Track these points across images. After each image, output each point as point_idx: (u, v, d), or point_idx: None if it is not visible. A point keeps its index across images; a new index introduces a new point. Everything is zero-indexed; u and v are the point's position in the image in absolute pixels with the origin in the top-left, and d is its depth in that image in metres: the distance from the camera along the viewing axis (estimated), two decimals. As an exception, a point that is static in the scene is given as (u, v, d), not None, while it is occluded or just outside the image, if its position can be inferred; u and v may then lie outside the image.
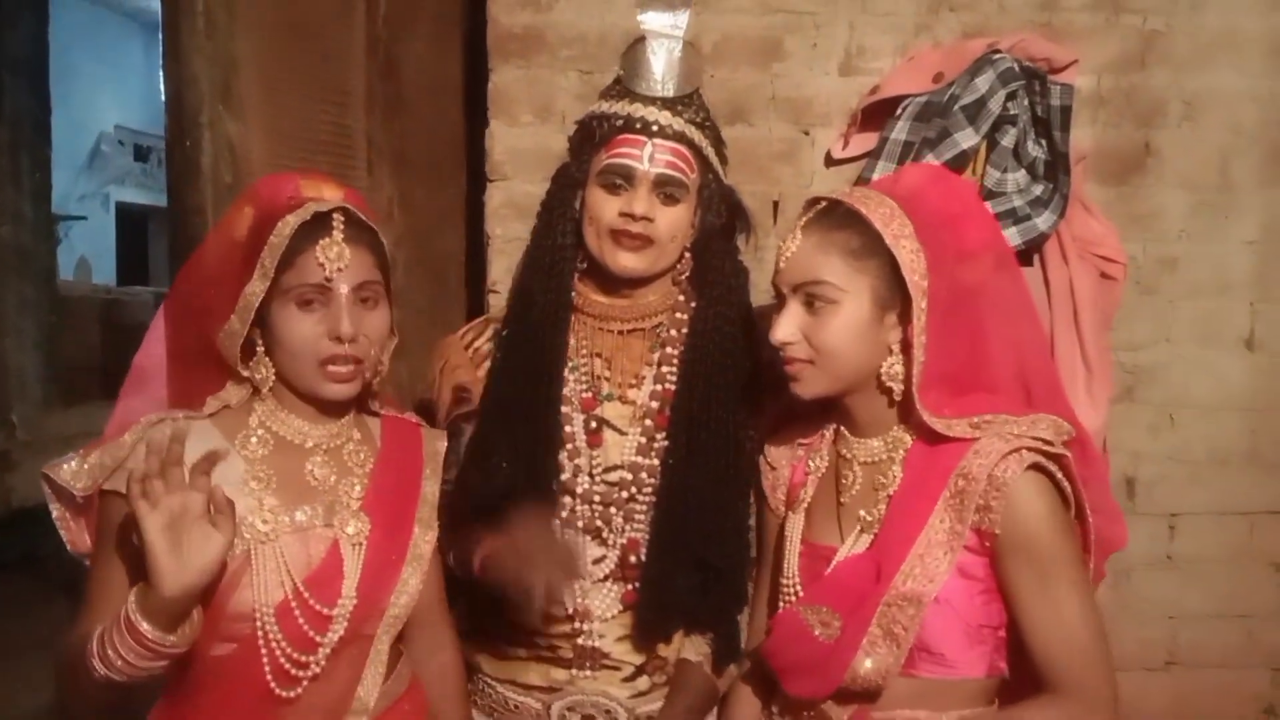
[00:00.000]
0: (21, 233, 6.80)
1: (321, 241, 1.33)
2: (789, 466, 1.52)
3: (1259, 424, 2.18)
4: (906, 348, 1.34)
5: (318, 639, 1.35)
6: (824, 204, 1.37)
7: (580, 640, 1.62)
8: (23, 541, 5.80)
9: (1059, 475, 1.29)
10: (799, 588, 1.41)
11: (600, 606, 1.62)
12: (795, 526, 1.46)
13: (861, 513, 1.38)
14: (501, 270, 2.12)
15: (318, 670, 1.36)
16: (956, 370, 1.34)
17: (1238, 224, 2.14)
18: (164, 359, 1.44)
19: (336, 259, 1.34)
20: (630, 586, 1.60)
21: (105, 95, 10.60)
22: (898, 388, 1.35)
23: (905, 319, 1.33)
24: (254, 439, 1.39)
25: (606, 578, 1.62)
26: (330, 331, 1.33)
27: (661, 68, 1.61)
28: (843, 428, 1.44)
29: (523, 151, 2.10)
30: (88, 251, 10.09)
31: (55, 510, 1.37)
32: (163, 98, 2.03)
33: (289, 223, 1.33)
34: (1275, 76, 2.12)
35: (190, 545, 1.19)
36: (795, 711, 1.41)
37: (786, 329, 1.34)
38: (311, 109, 2.16)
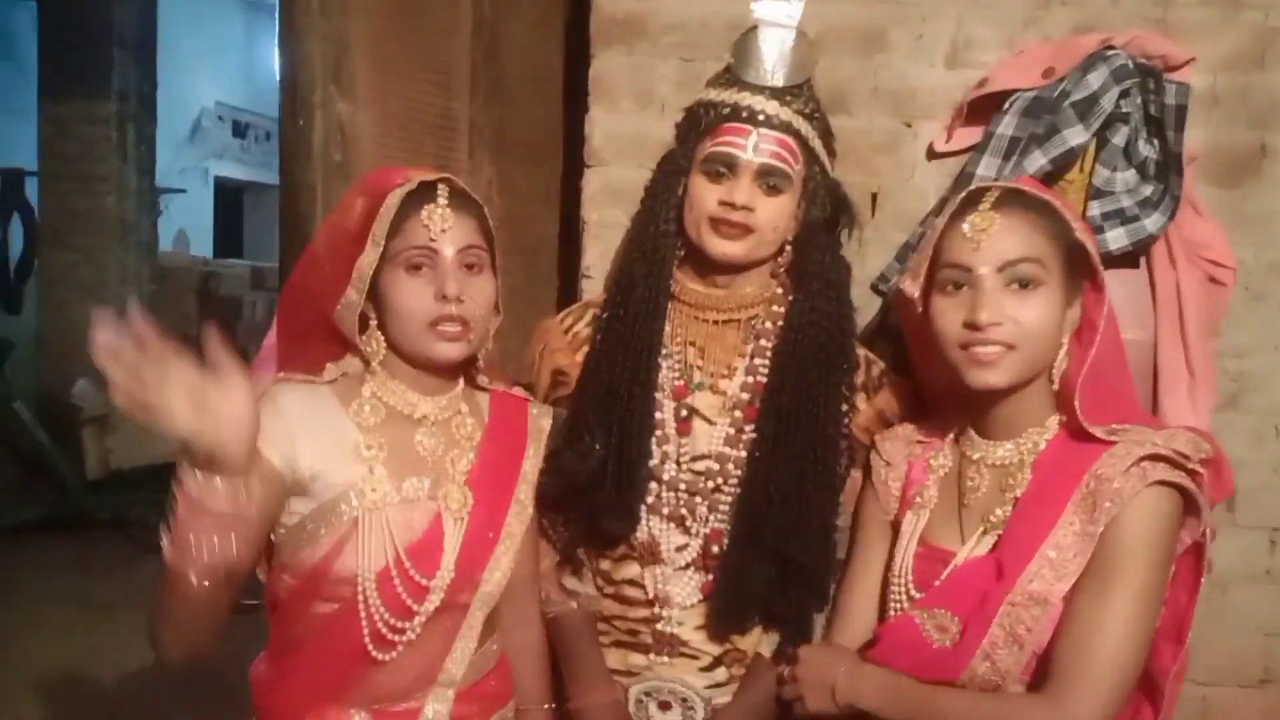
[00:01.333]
0: (126, 205, 7.07)
1: (426, 207, 1.39)
2: (905, 464, 1.50)
3: (1367, 437, 2.10)
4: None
5: (415, 607, 1.40)
6: (1008, 190, 1.35)
7: (659, 626, 1.64)
8: (116, 503, 6.05)
9: (1191, 488, 1.25)
10: (911, 588, 1.40)
11: (680, 594, 1.63)
12: (913, 526, 1.44)
13: (986, 515, 1.36)
14: (596, 255, 2.13)
15: (413, 637, 1.40)
16: (1105, 371, 1.33)
17: (1353, 229, 2.06)
18: (287, 331, 1.49)
19: (441, 221, 1.39)
20: (710, 577, 1.61)
21: (206, 72, 10.87)
22: (1057, 383, 1.35)
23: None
24: (367, 408, 1.43)
25: (688, 566, 1.63)
26: (437, 292, 1.37)
27: (772, 57, 1.60)
28: (971, 429, 1.42)
29: (621, 138, 2.11)
30: (186, 224, 10.39)
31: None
32: (262, 75, 2.09)
33: (398, 193, 1.38)
34: (1400, 79, 2.03)
35: (209, 397, 1.12)
36: None
37: (996, 308, 1.29)
38: (418, 91, 2.20)
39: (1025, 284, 1.30)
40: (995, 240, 1.30)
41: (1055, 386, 1.36)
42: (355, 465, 1.39)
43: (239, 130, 11.55)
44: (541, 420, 1.60)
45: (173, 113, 8.92)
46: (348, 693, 1.41)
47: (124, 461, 6.52)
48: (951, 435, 1.46)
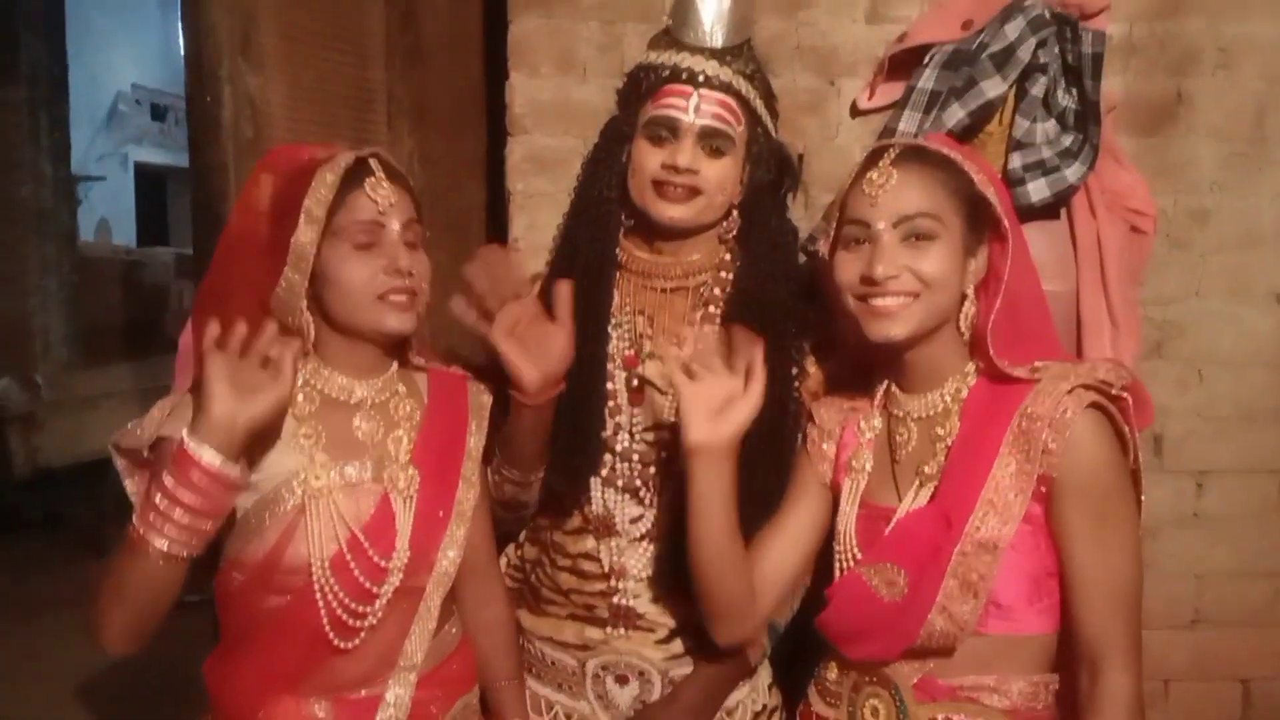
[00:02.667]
0: (42, 193, 6.83)
1: (368, 181, 1.38)
2: (839, 427, 1.51)
3: (1288, 380, 2.15)
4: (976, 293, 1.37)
5: (374, 590, 1.38)
6: (909, 146, 1.37)
7: (615, 599, 1.63)
8: (48, 501, 5.89)
9: (1118, 417, 1.29)
10: (856, 550, 1.40)
11: (636, 566, 1.62)
12: (852, 490, 1.45)
13: (920, 466, 1.37)
14: (523, 226, 2.10)
15: (374, 621, 1.39)
16: (1018, 317, 1.35)
17: (1271, 176, 2.10)
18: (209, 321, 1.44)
19: (386, 195, 1.38)
20: (666, 547, 1.60)
21: (121, 54, 10.56)
22: (967, 332, 1.37)
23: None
24: (300, 397, 1.41)
25: (643, 537, 1.62)
26: (388, 266, 1.37)
27: (710, 17, 1.59)
28: (894, 387, 1.43)
29: (544, 104, 2.07)
30: (107, 212, 10.12)
31: (130, 485, 1.41)
32: (180, 56, 2.02)
33: (333, 168, 1.37)
34: (1313, 24, 2.06)
35: (248, 393, 1.26)
36: (854, 680, 1.40)
37: (892, 261, 1.32)
38: (331, 61, 2.13)
39: (921, 237, 1.32)
40: (892, 196, 1.32)
41: (966, 336, 1.38)
42: (294, 454, 1.37)
43: (158, 113, 11.26)
44: (482, 396, 1.59)
45: (87, 97, 8.65)
46: (307, 682, 1.39)
47: (53, 459, 6.35)
48: (879, 397, 1.47)
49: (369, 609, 1.38)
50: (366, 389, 1.44)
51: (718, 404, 1.35)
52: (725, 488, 1.37)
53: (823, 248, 1.46)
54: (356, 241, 1.37)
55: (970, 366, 1.38)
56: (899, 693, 1.34)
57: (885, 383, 1.46)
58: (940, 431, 1.37)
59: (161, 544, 1.23)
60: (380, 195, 1.38)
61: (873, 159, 1.38)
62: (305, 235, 1.35)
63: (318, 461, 1.38)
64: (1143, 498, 1.35)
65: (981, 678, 1.32)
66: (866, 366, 1.50)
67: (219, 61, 1.91)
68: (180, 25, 1.97)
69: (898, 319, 1.33)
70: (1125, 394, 1.29)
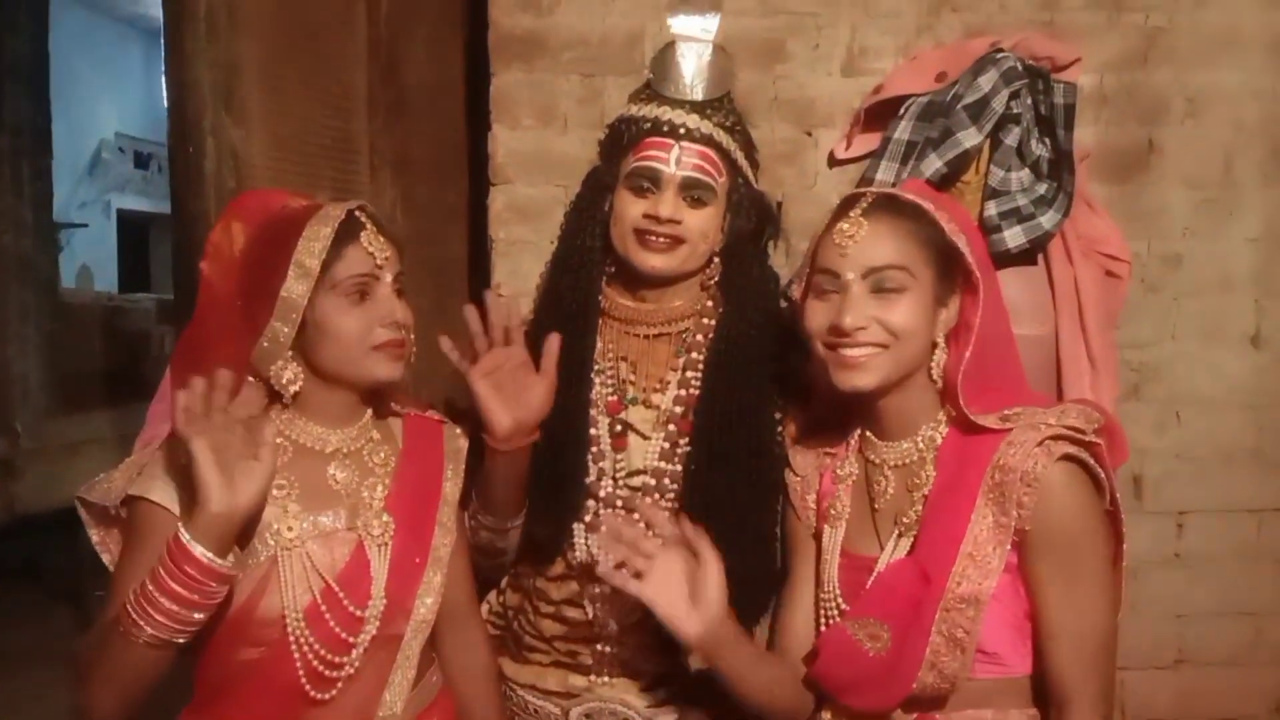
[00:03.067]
0: (23, 241, 6.81)
1: (363, 234, 1.39)
2: (817, 475, 1.51)
3: (1264, 421, 2.17)
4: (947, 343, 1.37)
5: (350, 639, 1.37)
6: (880, 196, 1.38)
7: (599, 646, 1.63)
8: (26, 548, 5.81)
9: (1092, 464, 1.28)
10: (840, 601, 1.40)
11: (620, 613, 1.61)
12: (833, 538, 1.45)
13: (899, 516, 1.37)
14: (505, 273, 2.11)
15: (351, 671, 1.38)
16: (987, 364, 1.35)
17: (1241, 221, 2.14)
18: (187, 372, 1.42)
19: (381, 248, 1.39)
20: None
21: (105, 102, 10.59)
22: (939, 380, 1.37)
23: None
24: (279, 444, 1.39)
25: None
26: (384, 318, 1.38)
27: (690, 71, 1.62)
28: (869, 433, 1.44)
29: (525, 154, 2.10)
30: (89, 259, 10.08)
31: (95, 535, 1.41)
32: (163, 104, 2.03)
33: (327, 221, 1.36)
34: (1276, 74, 2.11)
35: (237, 475, 1.25)
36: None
37: (860, 312, 1.32)
38: (313, 113, 2.16)
39: (890, 289, 1.33)
40: (861, 247, 1.33)
41: (939, 385, 1.38)
42: (268, 506, 1.35)
43: (141, 161, 11.27)
44: (458, 441, 1.58)
45: (71, 145, 8.66)
46: None
47: (31, 507, 6.27)
48: (854, 442, 1.47)
49: (345, 659, 1.37)
50: (341, 438, 1.44)
51: (686, 588, 1.34)
52: (748, 659, 1.39)
53: (795, 292, 1.47)
54: (352, 294, 1.37)
55: (942, 415, 1.39)
56: None
57: (859, 428, 1.46)
58: (917, 480, 1.37)
59: (152, 632, 1.22)
60: (377, 249, 1.39)
61: (845, 207, 1.39)
62: (297, 288, 1.35)
63: (290, 512, 1.37)
64: (1124, 537, 1.35)
65: (980, 712, 1.32)
66: (839, 410, 1.51)
67: (202, 113, 1.93)
68: (164, 79, 1.98)
69: (865, 369, 1.33)
70: (1098, 439, 1.30)
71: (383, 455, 1.47)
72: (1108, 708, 1.29)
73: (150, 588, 1.22)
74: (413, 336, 1.43)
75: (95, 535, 1.41)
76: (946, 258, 1.36)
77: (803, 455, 1.55)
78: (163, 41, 1.99)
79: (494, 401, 1.49)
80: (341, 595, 1.37)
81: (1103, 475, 1.30)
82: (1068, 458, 1.27)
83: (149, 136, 11.10)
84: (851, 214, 1.36)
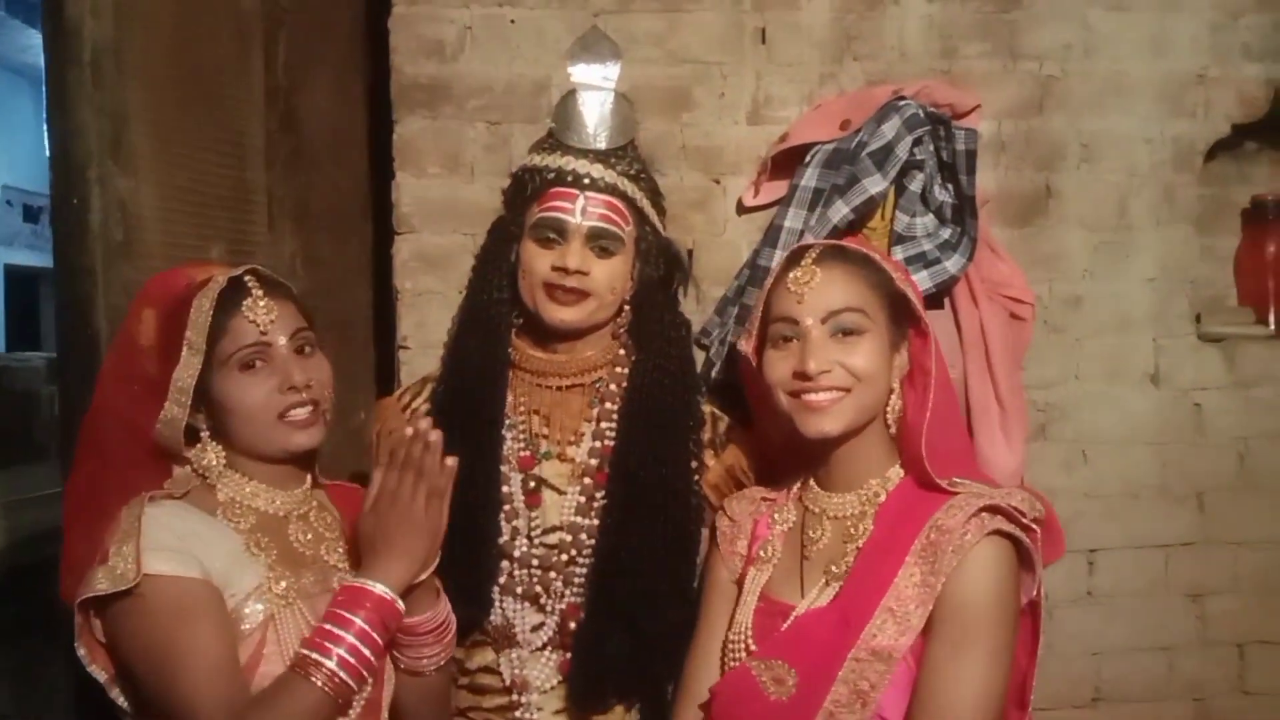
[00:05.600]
0: (-98, 298, 6.49)
1: (245, 303, 1.34)
2: (750, 520, 1.49)
3: (1167, 456, 2.22)
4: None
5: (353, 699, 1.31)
6: (828, 246, 1.40)
7: (518, 713, 1.57)
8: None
9: (1026, 545, 1.27)
10: (750, 642, 1.37)
11: (538, 677, 1.57)
12: (755, 581, 1.42)
13: (828, 566, 1.35)
14: (412, 325, 2.06)
15: None
16: (948, 422, 1.37)
17: (1137, 262, 2.20)
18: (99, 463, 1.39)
19: (266, 313, 1.35)
20: (569, 655, 1.55)
21: (-8, 154, 10.25)
22: (894, 427, 1.37)
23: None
24: (237, 511, 1.36)
25: (545, 646, 1.57)
26: (281, 384, 1.33)
27: (593, 120, 1.61)
28: (813, 481, 1.42)
29: (430, 203, 2.05)
30: (-27, 316, 9.67)
31: (83, 650, 1.30)
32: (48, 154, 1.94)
33: (208, 294, 1.33)
34: (1164, 120, 2.19)
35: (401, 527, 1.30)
36: None
37: (823, 356, 1.32)
38: (208, 163, 2.08)
39: (849, 332, 1.34)
40: (818, 292, 1.34)
41: (893, 431, 1.39)
42: (252, 569, 1.32)
43: (30, 215, 10.92)
44: None
45: (-46, 198, 8.32)
46: None
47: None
48: (795, 490, 1.46)
49: None
50: (291, 500, 1.41)
51: None
52: None
53: (744, 347, 1.46)
54: (244, 364, 1.34)
55: (894, 470, 1.38)
56: None
57: (804, 476, 1.45)
58: (854, 532, 1.35)
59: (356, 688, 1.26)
60: (259, 315, 1.35)
61: (794, 259, 1.40)
62: (186, 369, 1.32)
63: (276, 571, 1.33)
64: (1041, 631, 1.34)
65: None
66: (775, 457, 1.49)
67: (87, 163, 1.84)
68: (45, 127, 1.89)
69: (830, 414, 1.33)
70: (1035, 525, 1.29)
71: (329, 519, 1.45)
72: None
73: (366, 653, 1.24)
74: (328, 392, 1.39)
75: (83, 650, 1.31)
76: (895, 304, 1.38)
77: (739, 501, 1.53)
78: (43, 88, 1.90)
79: None
80: None
81: (1033, 559, 1.29)
82: (999, 534, 1.26)
83: (39, 189, 10.75)
84: (803, 263, 1.37)
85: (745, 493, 1.55)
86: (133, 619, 1.25)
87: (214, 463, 1.37)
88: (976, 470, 1.41)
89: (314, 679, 1.21)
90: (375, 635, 1.25)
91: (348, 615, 1.25)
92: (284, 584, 1.33)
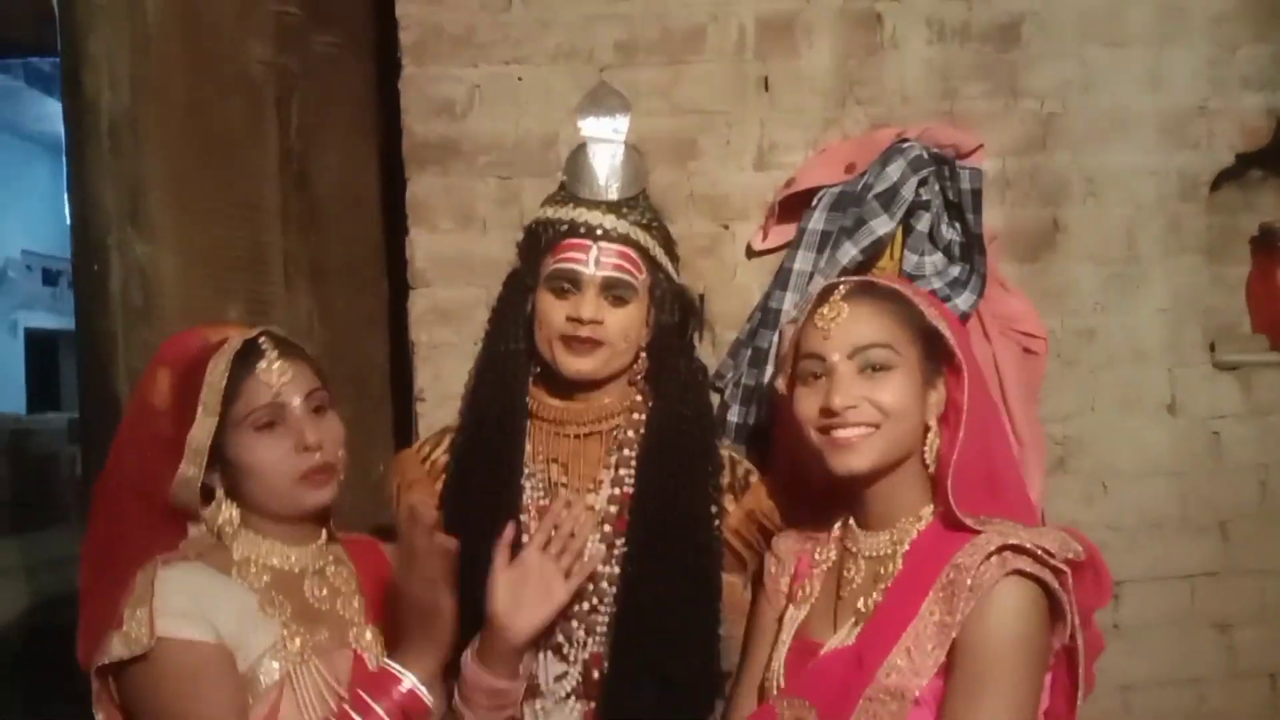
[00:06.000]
0: (-76, 364, 6.56)
1: (259, 365, 1.36)
2: (794, 558, 1.48)
3: (1187, 487, 2.21)
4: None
5: None
6: (858, 282, 1.40)
7: None
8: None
9: (1053, 587, 1.23)
10: (781, 680, 1.36)
11: None
12: (793, 620, 1.42)
13: (858, 605, 1.34)
14: (428, 377, 2.08)
15: None
16: (992, 458, 1.35)
17: (1148, 293, 2.20)
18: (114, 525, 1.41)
19: (280, 374, 1.37)
20: (593, 705, 1.54)
21: (10, 219, 10.39)
22: (932, 465, 1.35)
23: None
24: (253, 570, 1.37)
25: (569, 695, 1.56)
26: (297, 445, 1.35)
27: (605, 172, 1.64)
28: (852, 521, 1.41)
29: (444, 257, 2.08)
30: (-5, 380, 9.76)
31: (100, 716, 1.31)
32: (68, 221, 1.98)
33: (224, 355, 1.36)
34: (1167, 152, 2.20)
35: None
36: None
37: (849, 392, 1.31)
38: (224, 226, 2.12)
39: (878, 368, 1.33)
40: (844, 328, 1.34)
41: (931, 470, 1.37)
42: (266, 627, 1.33)
43: (49, 278, 11.04)
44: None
45: (-26, 265, 8.43)
46: None
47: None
48: (837, 529, 1.45)
49: None
50: (307, 556, 1.42)
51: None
52: None
53: (781, 385, 1.47)
54: (259, 425, 1.35)
55: (928, 510, 1.36)
56: None
57: (845, 516, 1.44)
58: (884, 571, 1.34)
59: None
60: (274, 377, 1.37)
61: (824, 295, 1.39)
62: (201, 429, 1.34)
63: (291, 630, 1.34)
64: (1080, 680, 1.30)
65: None
66: (829, 497, 1.48)
67: (107, 230, 1.88)
68: (66, 196, 1.93)
69: (858, 450, 1.32)
70: (1065, 567, 1.24)
71: (345, 574, 1.46)
72: None
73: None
74: (340, 451, 1.41)
75: (100, 715, 1.32)
76: (929, 340, 1.36)
77: (784, 540, 1.53)
78: (64, 159, 1.94)
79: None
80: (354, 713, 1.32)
81: (1063, 602, 1.24)
82: (1021, 574, 1.22)
83: (56, 253, 10.89)
84: (832, 299, 1.37)
85: (793, 531, 1.54)
86: (145, 683, 1.26)
87: (229, 521, 1.38)
88: (1014, 507, 1.36)
89: None
90: None
91: (369, 702, 1.27)
92: (299, 641, 1.34)
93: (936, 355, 1.37)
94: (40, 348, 11.22)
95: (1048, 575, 1.23)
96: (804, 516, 1.56)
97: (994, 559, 1.23)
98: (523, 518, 1.59)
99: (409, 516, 1.32)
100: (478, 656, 1.43)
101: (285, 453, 1.35)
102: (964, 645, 1.22)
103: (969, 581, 1.22)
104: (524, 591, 1.42)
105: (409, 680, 1.28)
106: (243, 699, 1.28)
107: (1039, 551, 1.23)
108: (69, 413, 9.21)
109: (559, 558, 1.46)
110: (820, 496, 1.50)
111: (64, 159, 2.03)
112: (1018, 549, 1.23)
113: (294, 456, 1.35)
